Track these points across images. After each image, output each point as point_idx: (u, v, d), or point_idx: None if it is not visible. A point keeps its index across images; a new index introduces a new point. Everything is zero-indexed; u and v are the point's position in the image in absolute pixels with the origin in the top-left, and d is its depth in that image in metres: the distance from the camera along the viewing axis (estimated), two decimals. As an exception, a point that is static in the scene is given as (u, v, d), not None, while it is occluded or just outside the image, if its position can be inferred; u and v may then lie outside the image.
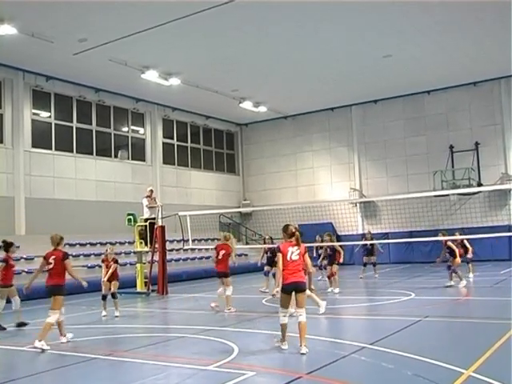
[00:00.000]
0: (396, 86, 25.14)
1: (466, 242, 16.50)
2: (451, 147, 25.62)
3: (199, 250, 23.10)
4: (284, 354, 7.42)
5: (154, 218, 17.41)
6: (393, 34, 18.70)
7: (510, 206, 23.79)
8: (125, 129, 25.35)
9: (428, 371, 6.08)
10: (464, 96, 25.46)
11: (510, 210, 23.60)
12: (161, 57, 19.99)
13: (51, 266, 8.86)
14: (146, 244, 17.42)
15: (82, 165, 22.70)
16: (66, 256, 8.91)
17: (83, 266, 18.93)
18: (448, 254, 15.21)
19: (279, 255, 7.68)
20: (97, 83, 22.73)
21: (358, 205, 27.49)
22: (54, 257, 8.88)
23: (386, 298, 13.29)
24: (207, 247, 22.41)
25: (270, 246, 15.19)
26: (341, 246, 16.04)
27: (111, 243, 16.02)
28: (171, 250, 21.20)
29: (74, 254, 18.69)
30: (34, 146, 21.11)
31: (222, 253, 12.15)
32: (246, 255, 25.47)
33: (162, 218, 17.34)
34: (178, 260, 22.91)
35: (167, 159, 27.04)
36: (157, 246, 17.07)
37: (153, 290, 16.82)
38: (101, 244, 20.41)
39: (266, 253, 15.62)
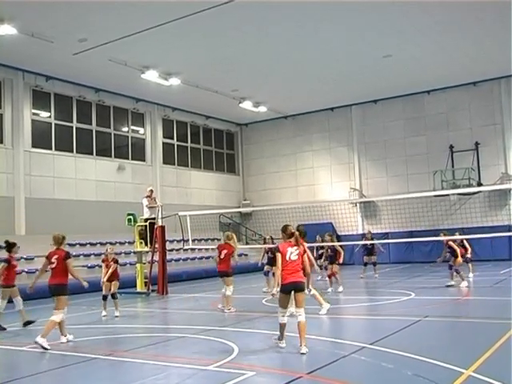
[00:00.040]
0: (396, 86, 25.14)
1: (465, 241, 16.51)
2: (451, 147, 25.62)
3: (199, 249, 23.11)
4: (284, 354, 7.42)
5: (154, 218, 17.41)
6: (393, 34, 18.70)
7: (510, 206, 23.79)
8: (125, 129, 25.35)
9: (428, 371, 6.09)
10: (464, 96, 25.47)
11: (510, 209, 23.60)
12: (161, 57, 19.99)
13: (54, 266, 8.90)
14: (146, 244, 17.43)
15: (82, 165, 22.70)
16: (68, 255, 8.95)
17: (83, 266, 18.93)
18: (449, 253, 15.23)
19: (278, 255, 7.72)
20: (97, 83, 22.73)
21: (357, 205, 27.50)
22: (56, 256, 8.93)
23: (386, 298, 13.29)
24: (207, 247, 22.45)
25: (271, 245, 15.19)
26: (341, 246, 16.05)
27: (111, 243, 16.05)
28: (171, 250, 21.20)
29: (74, 253, 18.65)
30: (34, 145, 21.11)
31: (224, 252, 12.17)
32: (245, 255, 25.46)
33: (162, 217, 17.34)
34: (178, 260, 22.92)
35: (167, 159, 27.04)
36: (157, 246, 17.07)
37: (153, 290, 16.82)
38: (101, 244, 20.41)
39: (267, 252, 15.63)
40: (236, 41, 18.68)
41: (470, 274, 16.82)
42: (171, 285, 17.71)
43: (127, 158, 24.95)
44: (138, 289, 17.15)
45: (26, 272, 16.88)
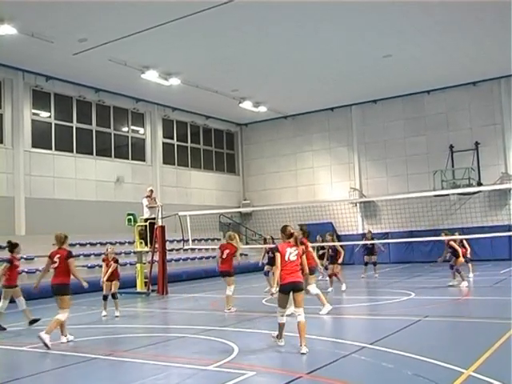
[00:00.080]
0: (396, 86, 25.14)
1: (464, 241, 16.52)
2: (451, 147, 25.63)
3: (199, 249, 23.12)
4: (284, 354, 7.43)
5: (154, 218, 17.41)
6: (393, 34, 18.70)
7: (510, 206, 23.79)
8: (125, 129, 25.36)
9: (428, 371, 6.09)
10: (464, 96, 25.47)
11: (510, 209, 23.59)
12: (161, 57, 19.99)
13: (56, 265, 8.96)
14: (146, 244, 17.43)
15: (82, 165, 22.70)
16: (69, 255, 9.01)
17: (83, 266, 18.92)
18: (451, 253, 15.25)
19: (277, 255, 7.75)
20: (97, 83, 22.73)
21: (357, 205, 27.50)
22: (58, 255, 9.00)
23: (386, 298, 13.29)
24: (207, 247, 22.46)
25: (272, 245, 15.19)
26: (341, 245, 16.07)
27: (111, 243, 16.03)
28: (171, 250, 21.19)
29: (74, 253, 18.64)
30: (34, 146, 21.11)
31: (226, 252, 12.20)
32: (246, 255, 25.46)
33: (162, 217, 17.34)
34: (178, 260, 22.91)
35: (167, 159, 27.04)
36: (157, 246, 17.08)
37: (153, 290, 16.82)
38: (101, 244, 20.41)
39: (268, 252, 15.63)
40: (236, 41, 18.68)
41: (470, 274, 16.81)
42: (171, 285, 17.72)
43: (127, 158, 24.95)
44: (138, 289, 17.15)
45: (26, 272, 16.89)
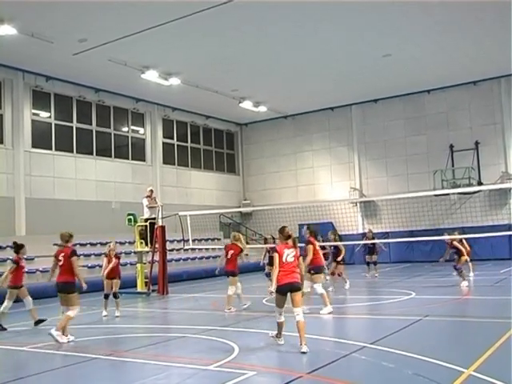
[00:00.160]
0: (396, 86, 25.14)
1: (464, 241, 16.52)
2: (451, 146, 25.63)
3: (199, 249, 23.11)
4: (284, 354, 7.44)
5: (154, 218, 17.41)
6: (393, 34, 18.71)
7: (510, 205, 23.80)
8: (125, 129, 25.36)
9: (428, 370, 6.09)
10: (464, 95, 25.47)
11: (511, 209, 23.61)
12: (161, 57, 19.99)
13: (61, 263, 9.08)
14: (147, 244, 17.43)
15: (82, 165, 22.71)
16: (73, 253, 9.09)
17: (83, 266, 18.88)
18: (454, 253, 15.27)
19: (276, 255, 7.81)
20: (97, 83, 22.73)
21: (358, 204, 27.49)
22: (63, 254, 9.15)
23: (387, 298, 13.29)
24: (207, 247, 22.45)
25: (272, 245, 15.20)
26: (343, 244, 16.14)
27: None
28: (171, 250, 21.18)
29: (74, 253, 18.68)
30: (34, 146, 21.11)
31: (230, 253, 12.26)
32: (246, 255, 25.42)
33: (162, 217, 17.34)
34: (178, 260, 22.91)
35: (167, 159, 27.04)
36: (157, 245, 17.08)
37: (153, 290, 16.82)
38: (101, 244, 20.37)
39: (269, 252, 15.63)
40: (235, 41, 18.68)
41: (471, 274, 16.82)
42: (171, 285, 17.72)
43: (127, 158, 24.96)
44: (139, 289, 17.14)
45: (27, 272, 16.82)
